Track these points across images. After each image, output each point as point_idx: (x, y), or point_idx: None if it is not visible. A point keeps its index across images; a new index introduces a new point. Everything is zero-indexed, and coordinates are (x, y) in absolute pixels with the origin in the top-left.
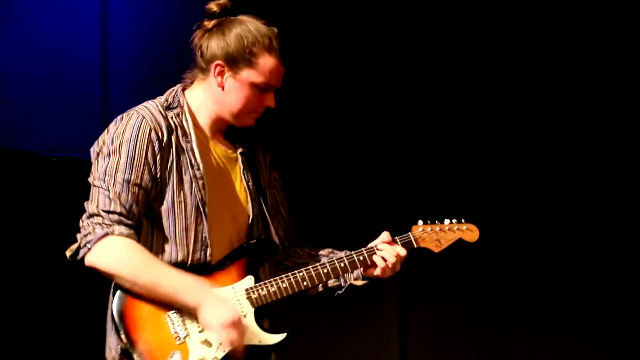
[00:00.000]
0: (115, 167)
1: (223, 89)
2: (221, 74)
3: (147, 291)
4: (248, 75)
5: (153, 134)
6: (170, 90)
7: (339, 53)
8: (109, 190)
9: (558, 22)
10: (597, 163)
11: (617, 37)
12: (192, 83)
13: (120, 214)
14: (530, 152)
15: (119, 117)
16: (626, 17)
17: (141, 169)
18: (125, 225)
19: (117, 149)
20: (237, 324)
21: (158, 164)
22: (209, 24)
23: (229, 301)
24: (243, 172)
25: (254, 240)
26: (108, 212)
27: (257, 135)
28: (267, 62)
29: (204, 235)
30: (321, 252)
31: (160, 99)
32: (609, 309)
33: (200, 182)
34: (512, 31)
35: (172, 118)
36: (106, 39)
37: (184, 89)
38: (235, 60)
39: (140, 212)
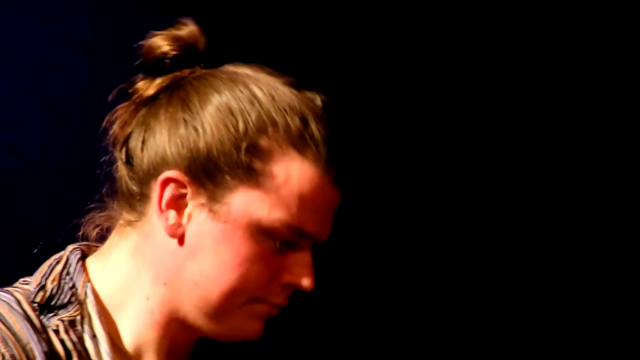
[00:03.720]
0: None
1: (182, 240)
2: (175, 202)
3: None
4: (247, 203)
5: None
6: (52, 262)
7: None
8: None
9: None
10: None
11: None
12: (103, 238)
13: None
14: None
15: None
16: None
17: None
18: None
19: None
20: None
21: None
22: (150, 85)
23: None
24: None
25: None
26: None
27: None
28: (296, 172)
29: None
30: None
31: (27, 286)
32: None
33: None
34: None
35: (58, 335)
36: None
37: (83, 257)
38: (214, 169)
39: None
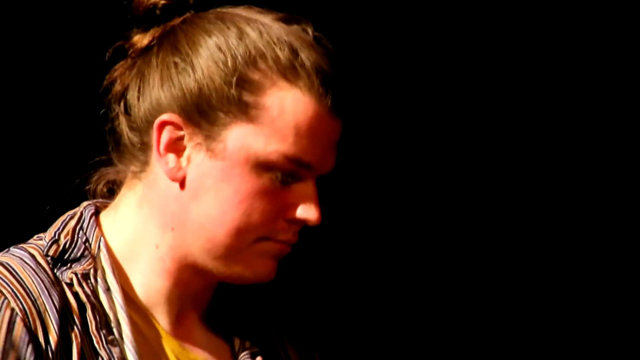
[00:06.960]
0: None
1: (183, 184)
2: (173, 145)
3: None
4: (242, 138)
5: (20, 331)
6: (65, 218)
7: None
8: None
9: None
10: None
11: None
12: (112, 194)
13: None
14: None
15: None
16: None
17: None
18: None
19: None
20: None
21: None
22: (144, 37)
23: None
24: None
25: None
26: None
27: (285, 306)
28: (289, 102)
29: None
30: None
31: (41, 242)
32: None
33: None
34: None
35: (71, 288)
36: None
37: (96, 212)
38: (207, 107)
39: None
